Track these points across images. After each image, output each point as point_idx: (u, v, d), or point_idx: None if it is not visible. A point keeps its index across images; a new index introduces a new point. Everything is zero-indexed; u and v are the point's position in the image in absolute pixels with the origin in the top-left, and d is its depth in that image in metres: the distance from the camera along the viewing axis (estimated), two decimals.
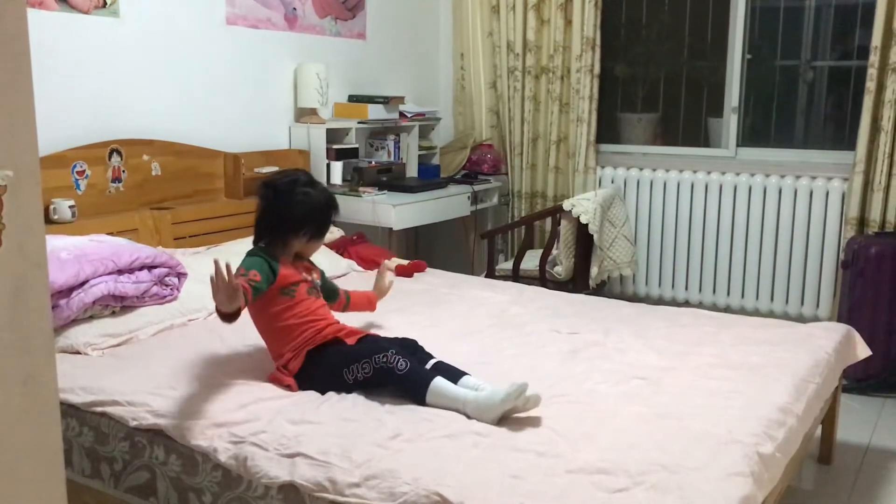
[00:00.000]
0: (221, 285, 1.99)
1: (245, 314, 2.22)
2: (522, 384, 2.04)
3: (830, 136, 4.26)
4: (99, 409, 2.19)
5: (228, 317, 2.11)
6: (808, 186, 4.12)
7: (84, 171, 3.16)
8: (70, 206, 3.01)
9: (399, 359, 2.20)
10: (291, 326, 2.33)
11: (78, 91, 3.17)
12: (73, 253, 2.62)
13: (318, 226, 2.40)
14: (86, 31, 3.17)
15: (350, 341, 2.38)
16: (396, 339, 2.43)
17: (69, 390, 2.23)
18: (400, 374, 2.18)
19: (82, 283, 2.58)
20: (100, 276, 2.62)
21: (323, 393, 2.25)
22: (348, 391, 2.24)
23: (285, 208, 2.35)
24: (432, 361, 2.33)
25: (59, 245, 2.64)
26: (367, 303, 2.78)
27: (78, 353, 2.52)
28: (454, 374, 2.24)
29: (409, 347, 2.37)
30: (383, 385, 2.23)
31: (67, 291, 2.54)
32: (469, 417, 2.06)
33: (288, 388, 2.28)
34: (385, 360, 2.20)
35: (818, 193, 4.10)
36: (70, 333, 2.56)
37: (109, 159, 3.26)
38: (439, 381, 2.15)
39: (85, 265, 2.59)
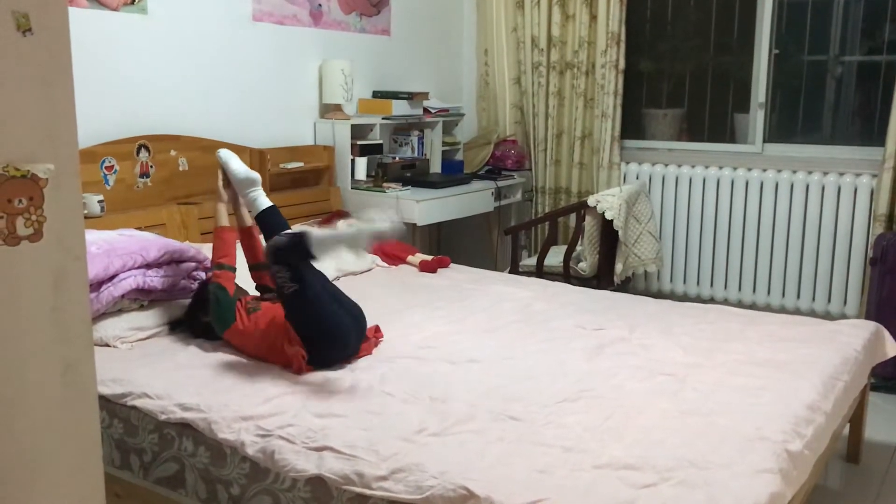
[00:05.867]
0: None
1: None
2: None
3: (859, 132, 4.20)
4: (129, 401, 2.22)
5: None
6: (835, 183, 4.08)
7: (113, 167, 3.20)
8: (99, 201, 3.04)
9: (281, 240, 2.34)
10: (276, 319, 2.50)
11: (106, 87, 3.21)
12: (102, 247, 2.64)
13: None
14: (114, 27, 3.21)
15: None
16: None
17: (99, 382, 2.24)
18: (281, 245, 2.32)
19: (111, 277, 2.61)
20: (128, 269, 2.65)
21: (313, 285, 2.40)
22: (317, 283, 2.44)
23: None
24: None
25: (89, 239, 2.66)
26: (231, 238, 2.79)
27: (107, 345, 2.56)
28: None
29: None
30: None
31: (97, 285, 2.57)
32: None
33: (299, 369, 2.34)
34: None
35: (846, 190, 4.05)
36: (99, 326, 2.59)
37: (137, 155, 3.30)
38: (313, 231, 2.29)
39: (114, 259, 2.62)
